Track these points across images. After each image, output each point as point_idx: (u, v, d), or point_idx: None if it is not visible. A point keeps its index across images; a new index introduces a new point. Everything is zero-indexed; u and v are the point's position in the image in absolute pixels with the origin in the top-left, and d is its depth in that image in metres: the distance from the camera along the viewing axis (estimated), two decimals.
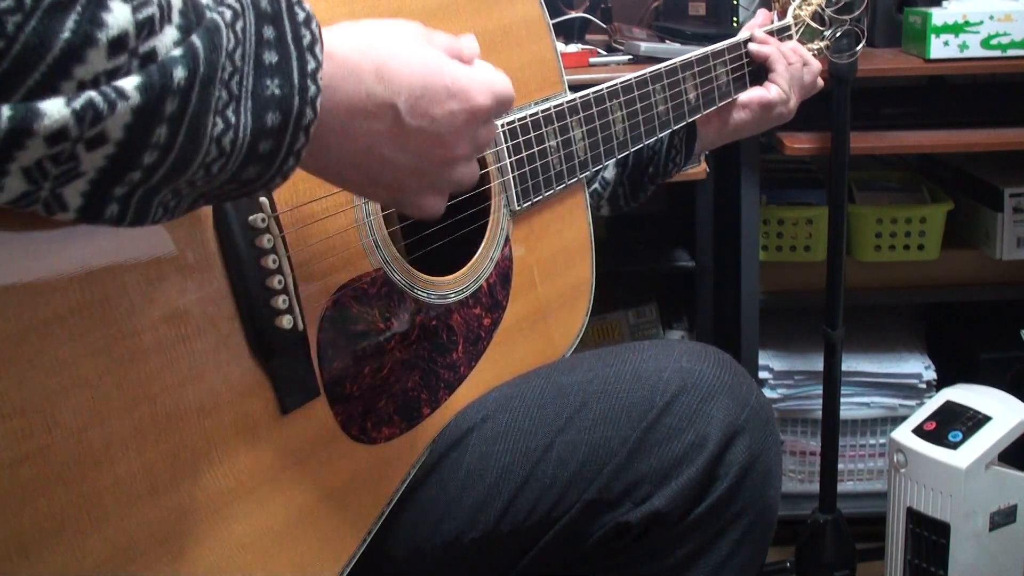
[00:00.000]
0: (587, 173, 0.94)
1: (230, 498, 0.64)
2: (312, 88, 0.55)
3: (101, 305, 0.56)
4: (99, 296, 0.56)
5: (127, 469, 0.58)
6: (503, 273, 0.88)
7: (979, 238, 1.75)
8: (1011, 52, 1.53)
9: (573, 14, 1.72)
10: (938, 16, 1.53)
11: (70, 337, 0.55)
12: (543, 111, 0.88)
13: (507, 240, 0.89)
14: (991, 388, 1.53)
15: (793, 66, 1.13)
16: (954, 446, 1.43)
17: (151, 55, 0.48)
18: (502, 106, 0.67)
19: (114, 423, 0.57)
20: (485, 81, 0.65)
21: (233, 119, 0.52)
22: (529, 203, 0.89)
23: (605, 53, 1.63)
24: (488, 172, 0.85)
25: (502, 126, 0.85)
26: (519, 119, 0.86)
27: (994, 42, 1.53)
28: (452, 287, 0.83)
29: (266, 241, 0.66)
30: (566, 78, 0.97)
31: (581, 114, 0.91)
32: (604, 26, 1.78)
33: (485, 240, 0.86)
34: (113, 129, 0.47)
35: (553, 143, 0.89)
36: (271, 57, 0.54)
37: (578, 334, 0.97)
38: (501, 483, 0.82)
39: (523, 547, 0.84)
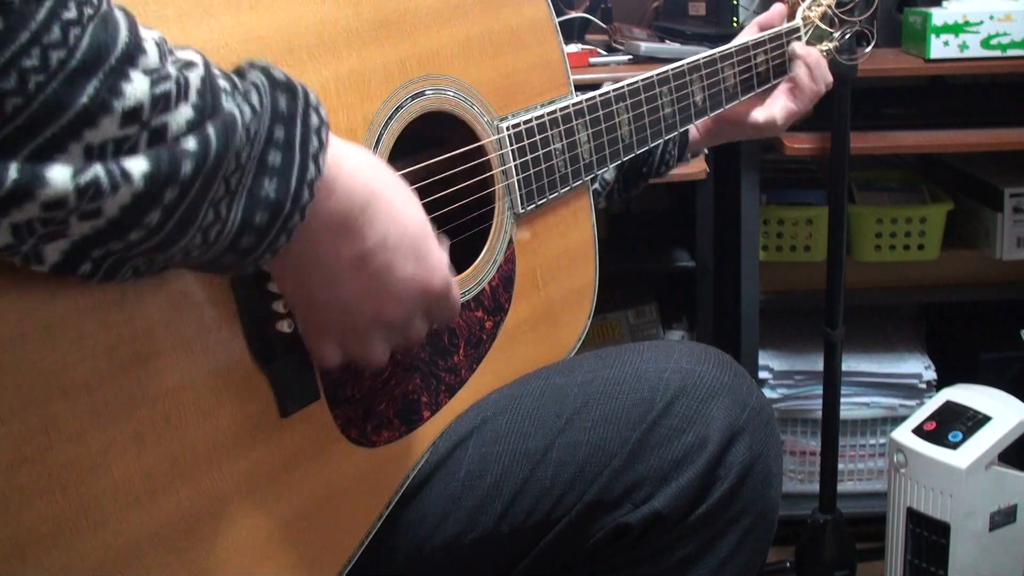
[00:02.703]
0: (592, 176, 0.94)
1: (229, 500, 0.64)
2: (306, 195, 0.56)
3: (101, 308, 0.56)
4: (99, 299, 0.56)
5: (126, 472, 0.57)
6: (506, 276, 0.88)
7: (979, 238, 1.75)
8: (1011, 52, 1.53)
9: (573, 14, 1.72)
10: (938, 16, 1.53)
11: (69, 340, 0.54)
12: (549, 114, 0.88)
13: (510, 243, 0.88)
14: (991, 388, 1.53)
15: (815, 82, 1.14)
16: (954, 446, 1.43)
17: (161, 130, 0.48)
18: (442, 303, 0.68)
19: (113, 426, 0.57)
20: (447, 273, 0.67)
21: (224, 213, 0.53)
22: (533, 206, 0.88)
23: (605, 53, 1.63)
24: (492, 175, 0.85)
25: (507, 128, 0.85)
26: (524, 122, 0.86)
27: (994, 42, 1.53)
28: (453, 276, 0.82)
29: None
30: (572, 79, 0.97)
31: (587, 117, 0.91)
32: (604, 26, 1.78)
33: (488, 243, 0.86)
34: (110, 208, 0.48)
35: (558, 146, 0.89)
36: (275, 159, 0.55)
37: (580, 337, 0.97)
38: (501, 484, 0.82)
39: (523, 548, 0.84)
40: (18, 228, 0.46)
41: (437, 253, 0.66)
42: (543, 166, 0.88)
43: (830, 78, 1.16)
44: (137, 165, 0.48)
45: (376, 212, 0.61)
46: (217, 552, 0.63)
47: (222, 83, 0.53)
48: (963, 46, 1.53)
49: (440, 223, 0.80)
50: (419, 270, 0.65)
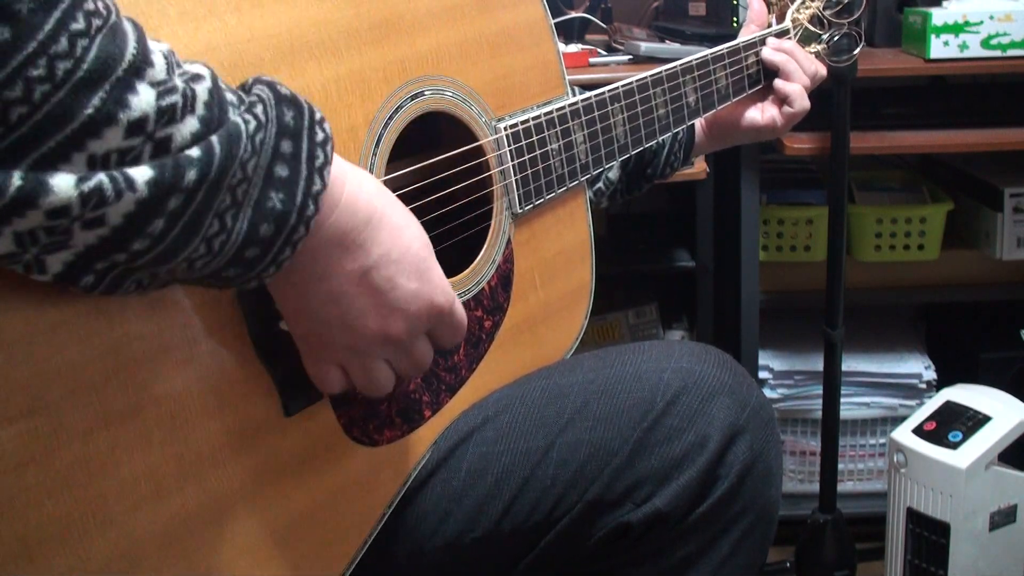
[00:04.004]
0: (588, 176, 0.94)
1: (234, 500, 0.64)
2: (311, 208, 0.56)
3: (106, 308, 0.56)
4: (104, 299, 0.56)
5: (132, 472, 0.58)
6: (504, 275, 0.88)
7: (979, 238, 1.75)
8: (1011, 52, 1.54)
9: (573, 14, 1.73)
10: (938, 16, 1.53)
11: (76, 340, 0.55)
12: (545, 114, 0.88)
13: (509, 242, 0.89)
14: (991, 388, 1.53)
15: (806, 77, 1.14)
16: (954, 446, 1.43)
17: (166, 142, 0.48)
18: (446, 321, 0.67)
19: (119, 426, 0.57)
20: (451, 291, 0.67)
21: (230, 223, 0.53)
22: (531, 206, 0.89)
23: (605, 53, 1.63)
24: (491, 175, 0.86)
25: (505, 129, 0.85)
26: (521, 122, 0.86)
27: (994, 42, 1.53)
28: (454, 289, 0.83)
29: None
30: (567, 79, 0.98)
31: (583, 117, 0.91)
32: (604, 26, 1.78)
33: (487, 242, 0.86)
34: (113, 215, 0.48)
35: (555, 146, 0.90)
36: (282, 171, 0.55)
37: (577, 336, 0.97)
38: (502, 484, 0.82)
39: (524, 547, 0.84)
40: (20, 237, 0.46)
41: (440, 273, 0.67)
42: (540, 166, 0.89)
43: (815, 69, 1.15)
44: (141, 173, 0.48)
45: (379, 228, 0.62)
46: (222, 552, 0.63)
47: (228, 96, 0.53)
48: (963, 46, 1.53)
49: (439, 223, 0.80)
50: (423, 285, 0.65)
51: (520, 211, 0.88)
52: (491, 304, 0.87)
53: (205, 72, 0.52)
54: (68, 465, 0.54)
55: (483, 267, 0.86)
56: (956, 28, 1.53)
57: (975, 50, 1.53)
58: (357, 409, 0.74)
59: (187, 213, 0.50)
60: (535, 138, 0.88)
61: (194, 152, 0.49)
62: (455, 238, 0.84)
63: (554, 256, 0.94)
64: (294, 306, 0.63)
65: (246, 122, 0.53)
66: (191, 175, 0.49)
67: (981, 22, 1.52)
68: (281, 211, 0.55)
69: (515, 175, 0.87)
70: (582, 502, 0.81)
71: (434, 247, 0.82)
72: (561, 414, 0.83)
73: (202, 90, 0.51)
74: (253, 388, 0.65)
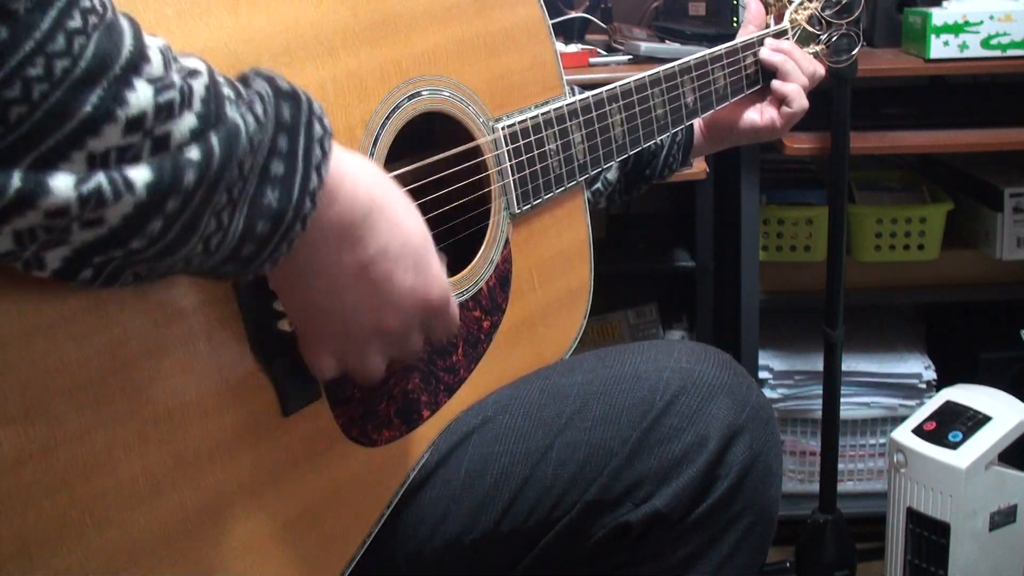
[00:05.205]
0: (586, 176, 0.94)
1: (232, 499, 0.64)
2: (308, 205, 0.56)
3: (104, 306, 0.56)
4: (102, 298, 0.56)
5: (130, 471, 0.58)
6: (502, 276, 0.88)
7: (979, 238, 1.75)
8: (1011, 52, 1.54)
9: (573, 14, 1.73)
10: (938, 16, 1.53)
11: (74, 339, 0.55)
12: (543, 114, 0.88)
13: (507, 243, 0.89)
14: (991, 388, 1.53)
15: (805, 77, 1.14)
16: (954, 446, 1.43)
17: (164, 139, 0.48)
18: (440, 316, 0.68)
19: (117, 425, 0.57)
20: (447, 287, 0.67)
21: (226, 222, 0.53)
22: (529, 206, 0.89)
23: (605, 53, 1.63)
24: (488, 175, 0.86)
25: (503, 129, 0.85)
26: (519, 122, 0.86)
27: (994, 42, 1.53)
28: (452, 289, 0.83)
29: None
30: (566, 78, 0.98)
31: (581, 118, 0.91)
32: (604, 26, 1.78)
33: (485, 242, 0.86)
34: (112, 216, 0.48)
35: (553, 146, 0.90)
36: (277, 168, 0.55)
37: (576, 337, 0.97)
38: (501, 484, 0.82)
39: (524, 548, 0.84)
40: (20, 235, 0.46)
41: (437, 266, 0.67)
42: (538, 166, 0.89)
43: (813, 69, 1.15)
44: (140, 174, 0.48)
45: (377, 222, 0.62)
46: (220, 552, 0.63)
47: (226, 91, 0.53)
48: (963, 46, 1.53)
49: (437, 223, 0.80)
50: (419, 281, 0.65)
51: (518, 211, 0.88)
52: (489, 304, 0.87)
53: (202, 67, 0.52)
54: (66, 464, 0.54)
55: (481, 267, 0.86)
56: (956, 28, 1.53)
57: (975, 50, 1.53)
58: (355, 409, 0.74)
59: (185, 214, 0.50)
60: (533, 138, 0.88)
61: (193, 154, 0.49)
62: (453, 238, 0.84)
63: (553, 256, 0.94)
64: (291, 295, 0.64)
65: (245, 122, 0.52)
66: (190, 177, 0.49)
67: (981, 22, 1.52)
68: (277, 209, 0.55)
69: (513, 175, 0.87)
70: (581, 502, 0.81)
71: None
72: (560, 414, 0.83)
73: (199, 86, 0.51)
74: (251, 387, 0.66)
